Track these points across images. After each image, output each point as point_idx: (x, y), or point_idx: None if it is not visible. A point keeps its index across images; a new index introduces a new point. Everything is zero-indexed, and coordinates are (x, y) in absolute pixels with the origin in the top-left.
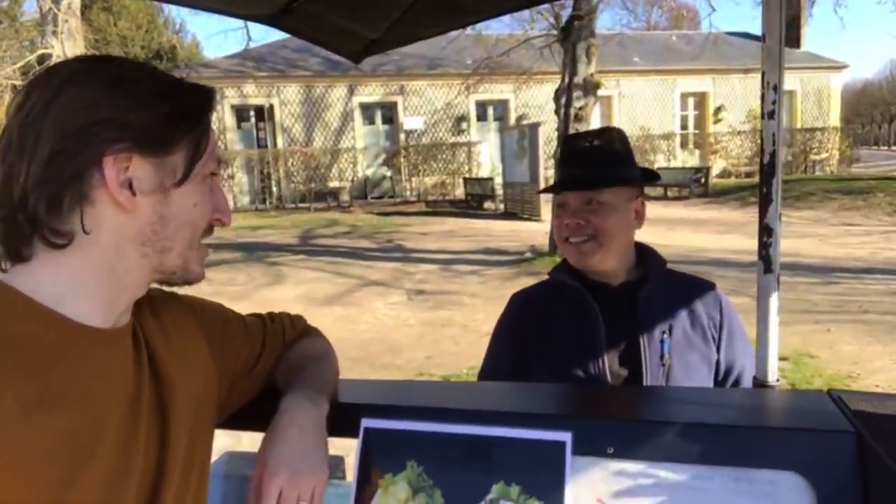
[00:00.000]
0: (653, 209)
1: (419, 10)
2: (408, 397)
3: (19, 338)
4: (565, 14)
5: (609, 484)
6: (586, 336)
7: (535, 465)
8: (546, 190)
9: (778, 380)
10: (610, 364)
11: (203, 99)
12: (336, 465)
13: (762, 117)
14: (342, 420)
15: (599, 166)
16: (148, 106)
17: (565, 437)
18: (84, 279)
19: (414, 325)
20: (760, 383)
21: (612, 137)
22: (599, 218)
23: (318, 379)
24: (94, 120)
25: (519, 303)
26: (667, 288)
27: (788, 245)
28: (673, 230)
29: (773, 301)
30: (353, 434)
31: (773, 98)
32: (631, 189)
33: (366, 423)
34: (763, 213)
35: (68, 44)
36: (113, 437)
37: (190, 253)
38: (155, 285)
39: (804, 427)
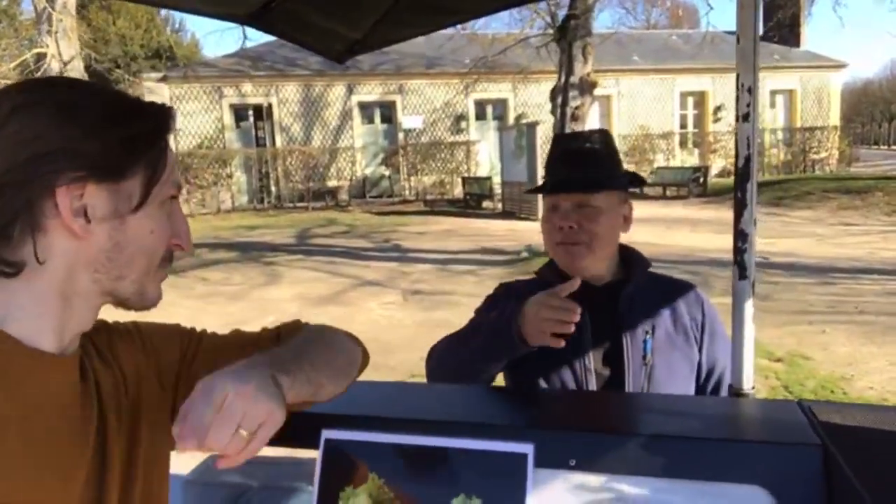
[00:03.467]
0: (651, 208)
1: (401, 9)
2: (369, 406)
3: None
4: (562, 13)
5: (571, 497)
6: (572, 334)
7: (497, 477)
8: (536, 190)
9: (753, 387)
10: (594, 363)
11: (159, 121)
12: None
13: (736, 119)
14: (303, 432)
15: (591, 169)
16: (100, 133)
17: (527, 448)
18: (33, 303)
19: (408, 326)
20: (736, 391)
21: (601, 140)
22: (591, 222)
23: (279, 354)
24: (46, 151)
25: (508, 291)
26: (649, 289)
27: (786, 245)
28: (671, 229)
29: (749, 307)
30: (314, 446)
31: (747, 100)
32: (620, 193)
33: (326, 434)
34: (738, 218)
35: (63, 43)
36: (54, 462)
37: (146, 279)
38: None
39: (770, 440)
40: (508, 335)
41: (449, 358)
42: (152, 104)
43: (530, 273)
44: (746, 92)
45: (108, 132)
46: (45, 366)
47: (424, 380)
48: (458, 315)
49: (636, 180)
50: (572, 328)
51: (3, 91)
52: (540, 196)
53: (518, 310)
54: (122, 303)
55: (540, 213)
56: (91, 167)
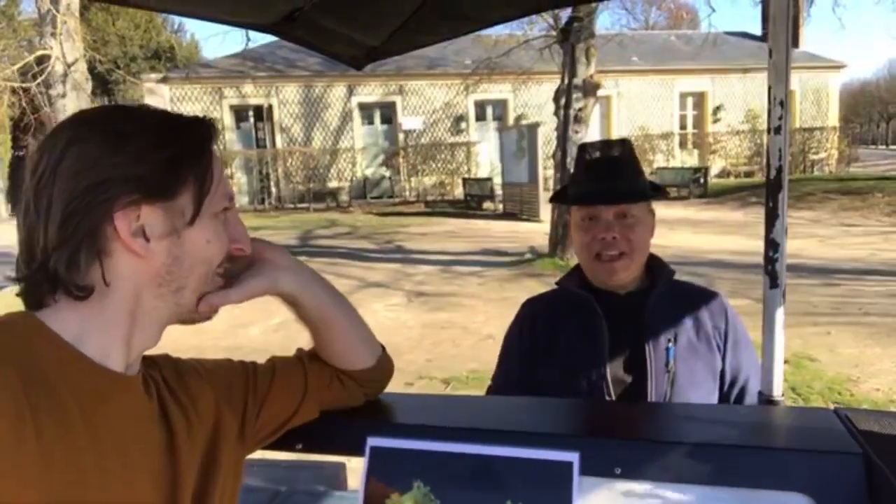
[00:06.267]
0: None
1: (421, 18)
2: (414, 415)
3: (46, 371)
4: (564, 15)
5: None
6: (590, 343)
7: (542, 485)
8: (572, 200)
9: (782, 394)
10: (615, 370)
11: (202, 136)
12: (335, 472)
13: (768, 132)
14: (348, 439)
15: (630, 179)
16: (148, 157)
17: (573, 457)
18: (104, 322)
19: (414, 327)
20: (766, 398)
21: (629, 149)
22: (632, 232)
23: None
24: (100, 180)
25: (529, 309)
26: (673, 297)
27: (788, 246)
28: (672, 230)
29: (779, 316)
30: (360, 453)
31: (779, 114)
32: (649, 203)
33: (371, 441)
34: (769, 229)
35: (67, 45)
36: (121, 476)
37: (205, 287)
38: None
39: (812, 448)
40: None
41: None
42: (194, 121)
43: (535, 275)
44: (779, 105)
45: (155, 155)
46: (117, 385)
47: (431, 381)
48: (462, 316)
49: (655, 188)
50: None
51: (58, 127)
52: (542, 198)
53: None
54: (185, 317)
55: (542, 215)
56: (143, 190)
